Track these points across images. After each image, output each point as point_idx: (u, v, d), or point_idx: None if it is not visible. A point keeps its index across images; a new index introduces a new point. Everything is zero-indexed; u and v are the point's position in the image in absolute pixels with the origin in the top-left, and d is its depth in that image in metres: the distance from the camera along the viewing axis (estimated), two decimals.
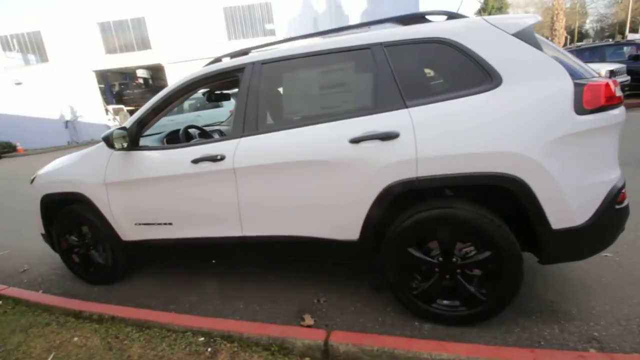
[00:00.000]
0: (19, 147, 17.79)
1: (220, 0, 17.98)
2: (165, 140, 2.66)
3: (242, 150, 1.96)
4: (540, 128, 1.51)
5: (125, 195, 2.31)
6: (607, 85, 1.51)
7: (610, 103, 1.51)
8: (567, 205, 1.53)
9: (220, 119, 7.89)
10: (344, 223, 1.85)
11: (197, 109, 9.66)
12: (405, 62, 1.73)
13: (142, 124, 2.29)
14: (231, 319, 2.04)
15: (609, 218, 1.59)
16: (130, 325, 2.06)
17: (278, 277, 2.46)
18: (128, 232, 2.39)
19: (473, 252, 1.68)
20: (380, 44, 1.77)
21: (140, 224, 2.34)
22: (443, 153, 1.59)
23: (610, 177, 1.58)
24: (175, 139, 2.67)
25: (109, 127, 18.41)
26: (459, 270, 1.70)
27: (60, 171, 2.63)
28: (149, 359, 1.79)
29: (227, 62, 2.17)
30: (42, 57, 19.32)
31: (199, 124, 3.30)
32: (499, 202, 1.68)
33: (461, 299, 1.74)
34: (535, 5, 39.82)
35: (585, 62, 1.79)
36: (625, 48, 9.80)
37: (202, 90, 2.75)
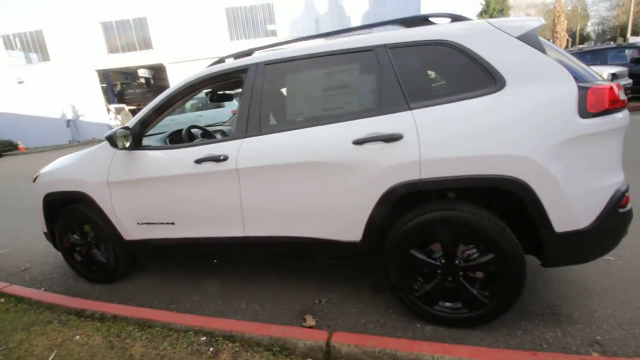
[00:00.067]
0: (21, 145, 17.83)
1: (222, 1, 18.03)
2: (168, 140, 2.66)
3: (245, 150, 1.97)
4: (543, 131, 1.51)
5: (127, 195, 2.32)
6: (611, 88, 1.52)
7: (614, 107, 1.52)
8: (570, 208, 1.53)
9: (222, 119, 7.90)
10: (347, 224, 1.85)
11: (198, 109, 9.67)
12: (409, 64, 1.73)
13: (145, 124, 2.30)
14: (233, 318, 2.04)
15: (612, 222, 1.59)
16: (132, 324, 2.07)
17: (279, 278, 2.47)
18: (130, 231, 2.39)
19: (476, 255, 1.68)
20: (384, 45, 1.78)
21: (142, 224, 2.35)
22: (446, 155, 1.59)
23: (613, 180, 1.59)
24: (178, 138, 2.68)
25: (110, 127, 18.48)
26: (461, 273, 1.70)
27: (63, 170, 2.63)
28: (151, 358, 1.79)
29: (230, 63, 2.18)
30: (44, 56, 19.38)
31: (201, 124, 3.30)
32: (501, 205, 1.68)
33: (463, 301, 1.74)
34: (537, 8, 39.87)
35: (587, 65, 1.79)
36: (627, 51, 9.80)
37: (205, 90, 2.76)
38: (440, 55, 1.69)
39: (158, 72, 21.53)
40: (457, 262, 1.69)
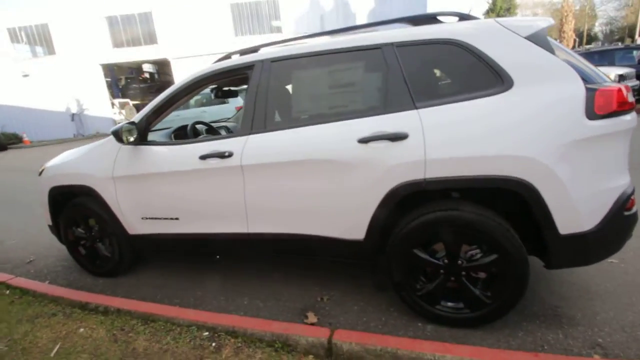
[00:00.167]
0: (25, 138, 17.94)
1: None
2: (173, 135, 2.67)
3: (250, 147, 1.97)
4: (550, 132, 1.50)
5: (132, 189, 2.33)
6: (620, 90, 1.50)
7: (622, 109, 1.50)
8: (575, 210, 1.52)
9: (226, 115, 7.90)
10: (350, 223, 1.85)
11: (202, 105, 9.69)
12: (415, 62, 1.73)
13: (150, 119, 2.31)
14: (235, 314, 2.06)
15: (617, 224, 1.59)
16: (136, 318, 2.09)
17: (281, 275, 2.48)
18: (135, 225, 2.41)
19: (479, 255, 1.68)
20: (392, 44, 1.77)
21: (147, 218, 2.36)
22: (452, 155, 1.58)
23: (619, 183, 1.58)
24: (182, 134, 2.69)
25: (114, 121, 18.56)
26: (464, 273, 1.70)
27: (68, 164, 2.65)
28: (154, 352, 1.81)
29: (236, 60, 2.18)
30: (50, 50, 19.43)
31: (205, 120, 3.31)
32: (506, 206, 1.68)
33: (465, 301, 1.74)
34: (544, 7, 39.48)
35: (595, 65, 1.77)
36: (635, 52, 9.70)
37: (210, 86, 2.76)
38: (447, 55, 1.68)
39: (162, 67, 21.54)
40: (460, 262, 1.69)
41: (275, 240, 2.07)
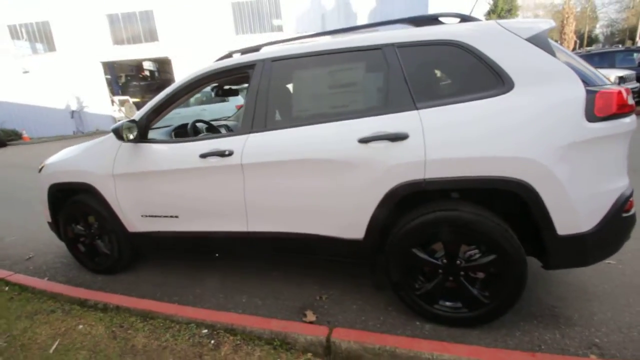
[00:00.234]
0: (25, 135, 17.90)
1: None
2: (173, 133, 2.67)
3: (251, 146, 1.97)
4: (550, 134, 1.50)
5: (132, 187, 2.34)
6: (620, 93, 1.51)
7: (622, 111, 1.51)
8: (573, 211, 1.53)
9: (226, 113, 7.91)
10: (350, 222, 1.86)
11: (203, 103, 9.68)
12: (416, 63, 1.73)
13: (151, 117, 2.31)
14: (234, 312, 2.06)
15: (615, 226, 1.60)
16: (135, 315, 2.09)
17: (281, 273, 2.48)
18: (134, 223, 2.41)
19: (477, 255, 1.69)
20: (393, 44, 1.77)
21: (146, 216, 2.37)
22: (451, 156, 1.59)
23: (618, 185, 1.58)
24: (183, 132, 2.69)
25: (114, 118, 18.52)
26: (462, 273, 1.71)
27: (68, 161, 2.65)
28: (153, 349, 1.81)
29: (237, 58, 2.18)
30: (50, 47, 19.37)
31: (205, 118, 3.31)
32: (505, 206, 1.68)
33: (464, 301, 1.75)
34: (546, 8, 39.47)
35: (595, 67, 1.78)
36: (635, 54, 9.71)
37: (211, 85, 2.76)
38: (448, 56, 1.69)
39: (163, 65, 21.52)
40: (458, 262, 1.70)
41: (274, 238, 2.07)
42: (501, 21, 1.69)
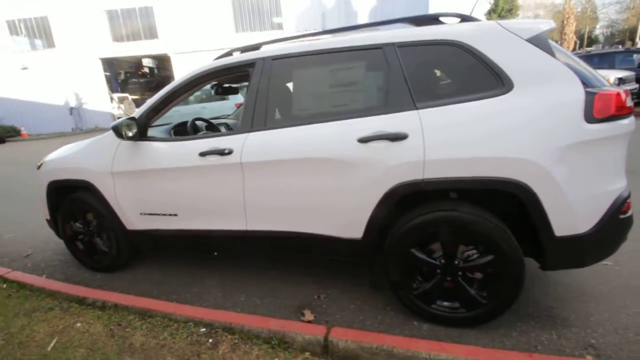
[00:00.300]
0: (23, 131, 17.84)
1: None
2: (172, 131, 2.67)
3: (250, 145, 1.97)
4: (549, 135, 1.51)
5: (131, 185, 2.33)
6: (618, 94, 1.51)
7: (620, 113, 1.51)
8: (571, 212, 1.54)
9: (225, 111, 7.87)
10: (349, 221, 1.86)
11: (202, 101, 9.65)
12: (417, 63, 1.73)
13: (150, 115, 2.30)
14: (232, 311, 2.07)
15: (612, 227, 1.60)
16: (133, 314, 2.09)
17: (279, 272, 2.49)
18: (133, 221, 2.41)
19: (475, 256, 1.69)
20: (393, 44, 1.77)
21: (145, 214, 2.37)
22: (451, 156, 1.59)
23: (616, 186, 1.59)
24: (182, 130, 2.69)
25: (113, 115, 18.47)
26: (460, 273, 1.71)
27: (67, 158, 2.65)
28: (151, 347, 1.81)
29: (238, 57, 2.17)
30: (49, 43, 19.29)
31: (204, 116, 3.31)
32: (503, 207, 1.69)
33: (461, 301, 1.76)
34: (546, 8, 39.44)
35: (594, 68, 1.78)
36: (635, 55, 9.71)
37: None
38: (448, 56, 1.69)
39: (162, 62, 21.46)
40: (456, 262, 1.71)
41: (273, 237, 2.07)
42: (501, 22, 1.68)
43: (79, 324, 2.05)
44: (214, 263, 2.70)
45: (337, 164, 1.79)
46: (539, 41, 1.59)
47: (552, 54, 1.57)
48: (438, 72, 1.90)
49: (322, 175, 1.84)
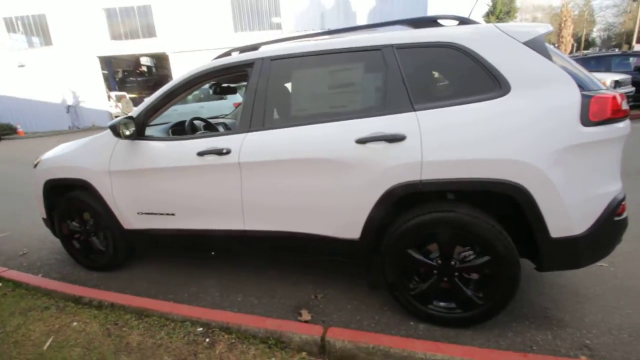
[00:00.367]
0: (20, 129, 17.73)
1: None
2: (170, 131, 2.67)
3: (248, 145, 1.97)
4: (545, 137, 1.52)
5: (129, 184, 2.33)
6: (614, 98, 1.53)
7: (616, 116, 1.53)
8: (567, 214, 1.55)
9: (224, 111, 7.86)
10: (346, 222, 1.87)
11: (200, 100, 9.63)
12: (415, 65, 1.74)
13: (148, 114, 2.30)
14: (229, 310, 2.07)
15: (607, 229, 1.62)
16: (130, 313, 2.09)
17: (276, 272, 2.49)
18: (130, 220, 2.41)
19: (472, 256, 1.70)
20: (391, 45, 1.78)
21: (142, 213, 2.36)
22: (448, 157, 1.60)
23: (611, 189, 1.61)
24: (180, 130, 2.68)
25: (110, 114, 18.38)
26: (456, 274, 1.72)
27: (64, 157, 2.64)
28: (148, 347, 1.81)
29: (236, 57, 2.18)
30: (46, 40, 19.19)
31: (203, 115, 3.30)
32: (499, 208, 1.70)
33: (458, 302, 1.77)
34: (544, 11, 39.69)
35: (591, 71, 1.80)
36: (631, 59, 9.79)
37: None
38: (446, 58, 1.70)
39: (160, 61, 21.39)
40: (453, 263, 1.72)
41: (271, 237, 2.08)
42: (499, 24, 1.70)
43: (75, 323, 2.04)
44: (212, 263, 2.70)
45: (335, 164, 1.80)
46: (536, 44, 1.60)
47: (549, 57, 1.58)
48: (436, 74, 1.91)
49: (320, 176, 1.84)
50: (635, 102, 8.60)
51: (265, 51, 2.09)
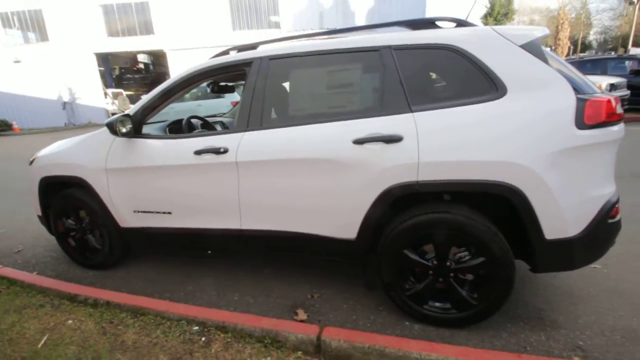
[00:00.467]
0: (15, 126, 17.57)
1: None
2: (167, 129, 2.66)
3: (246, 144, 1.97)
4: (540, 140, 1.53)
5: (125, 182, 2.32)
6: (609, 101, 1.55)
7: (610, 119, 1.55)
8: (561, 216, 1.57)
9: (221, 109, 7.85)
10: (343, 222, 1.87)
11: (198, 98, 9.60)
12: (412, 66, 1.75)
13: (146, 112, 2.29)
14: (225, 309, 2.07)
15: (601, 231, 1.64)
16: (125, 311, 2.08)
17: (273, 272, 2.49)
18: (127, 218, 2.40)
19: (467, 257, 1.71)
20: (389, 46, 1.79)
21: (139, 212, 2.35)
22: (444, 159, 1.61)
23: (605, 191, 1.62)
24: (177, 128, 2.67)
25: (107, 111, 18.25)
26: (452, 274, 1.74)
27: (60, 154, 2.62)
28: (143, 345, 1.81)
29: (234, 56, 2.18)
30: (43, 36, 19.00)
31: (200, 114, 3.29)
32: (495, 210, 1.71)
33: (453, 302, 1.78)
34: (541, 14, 39.92)
35: (587, 74, 1.82)
36: (627, 62, 9.87)
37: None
38: (444, 60, 1.71)
39: (158, 58, 21.27)
40: (448, 263, 1.73)
41: (267, 237, 2.08)
42: (496, 27, 1.71)
43: (70, 321, 2.03)
44: (208, 261, 2.69)
45: (332, 164, 1.80)
46: (532, 47, 1.61)
47: (545, 60, 1.59)
48: (433, 76, 1.92)
49: (317, 176, 1.85)
50: (631, 105, 8.68)
51: (263, 50, 2.09)
